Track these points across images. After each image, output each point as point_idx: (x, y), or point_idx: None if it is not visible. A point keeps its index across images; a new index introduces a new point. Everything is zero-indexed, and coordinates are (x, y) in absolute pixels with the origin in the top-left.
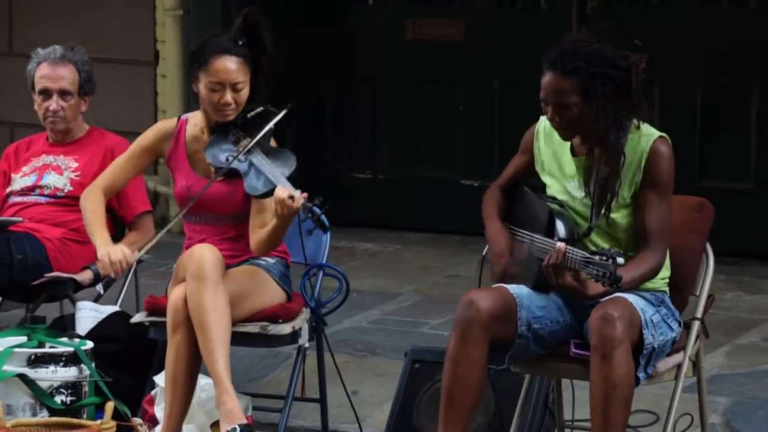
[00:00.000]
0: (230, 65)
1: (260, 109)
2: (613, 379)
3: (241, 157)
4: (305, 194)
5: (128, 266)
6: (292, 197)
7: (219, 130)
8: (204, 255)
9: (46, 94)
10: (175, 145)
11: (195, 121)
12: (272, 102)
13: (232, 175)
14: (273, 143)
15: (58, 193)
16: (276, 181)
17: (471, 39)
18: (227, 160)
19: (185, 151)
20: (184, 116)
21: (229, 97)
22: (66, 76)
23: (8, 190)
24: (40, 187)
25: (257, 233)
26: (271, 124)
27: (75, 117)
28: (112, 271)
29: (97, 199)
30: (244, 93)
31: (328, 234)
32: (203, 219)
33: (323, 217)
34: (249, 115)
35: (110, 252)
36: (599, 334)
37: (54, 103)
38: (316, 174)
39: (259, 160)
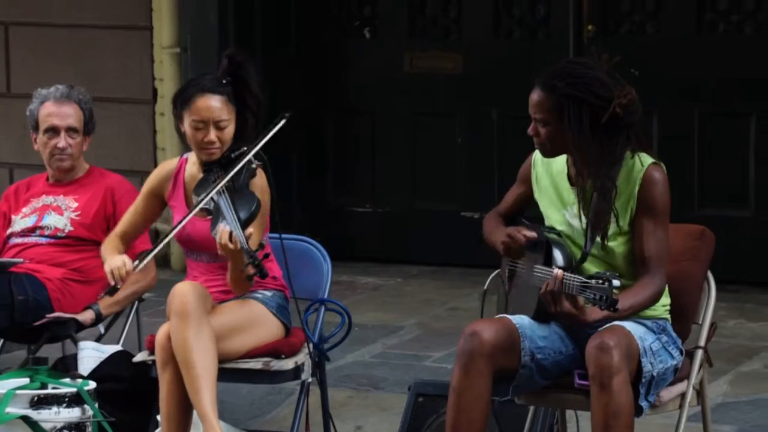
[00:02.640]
0: (213, 103)
1: (244, 148)
2: (612, 408)
3: (214, 197)
4: (249, 232)
5: (127, 273)
6: (232, 240)
7: (206, 170)
8: (186, 292)
9: (54, 131)
10: (173, 185)
11: (194, 159)
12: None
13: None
14: (261, 178)
15: (59, 234)
16: (231, 225)
17: (469, 71)
18: (197, 202)
19: (183, 191)
20: (186, 155)
21: (212, 135)
22: (72, 113)
23: (9, 231)
24: (41, 227)
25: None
26: (234, 170)
27: (79, 155)
28: (111, 279)
29: (110, 245)
30: (228, 131)
31: (329, 268)
32: (199, 257)
33: (262, 264)
34: (233, 155)
35: (110, 261)
36: (596, 363)
37: (62, 141)
38: (316, 208)
39: (224, 203)
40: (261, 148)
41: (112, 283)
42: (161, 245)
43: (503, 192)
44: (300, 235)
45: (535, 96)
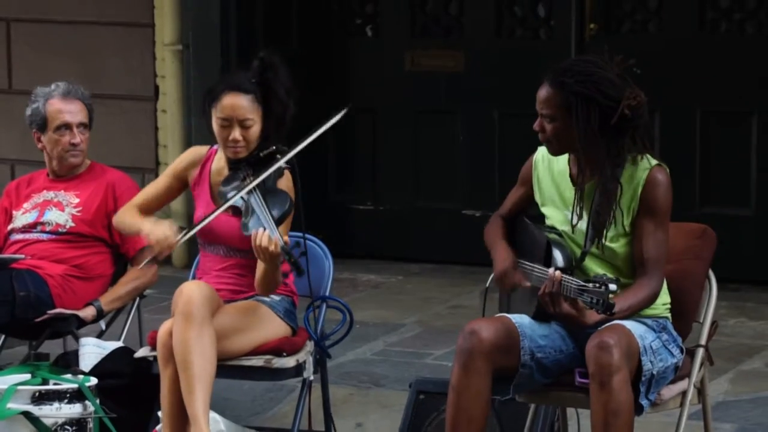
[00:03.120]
0: (239, 102)
1: (272, 148)
2: (612, 407)
3: (243, 195)
4: (286, 238)
5: (169, 247)
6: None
7: (233, 167)
8: (192, 292)
9: (66, 128)
10: (200, 173)
11: (222, 154)
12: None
13: (240, 211)
14: (287, 179)
15: (60, 230)
16: (265, 223)
17: (470, 69)
18: (226, 198)
19: (209, 181)
20: (216, 146)
21: (237, 133)
22: (80, 109)
23: (10, 227)
24: (42, 223)
25: (256, 274)
26: (270, 171)
27: (86, 150)
28: (154, 251)
29: (129, 211)
30: (254, 131)
31: (331, 266)
32: (216, 249)
33: (299, 261)
34: (261, 154)
35: (155, 230)
36: (596, 362)
37: (77, 137)
38: (317, 205)
39: (256, 201)
40: (290, 150)
41: (154, 254)
42: (194, 231)
43: (504, 190)
44: (301, 232)
45: (543, 91)
